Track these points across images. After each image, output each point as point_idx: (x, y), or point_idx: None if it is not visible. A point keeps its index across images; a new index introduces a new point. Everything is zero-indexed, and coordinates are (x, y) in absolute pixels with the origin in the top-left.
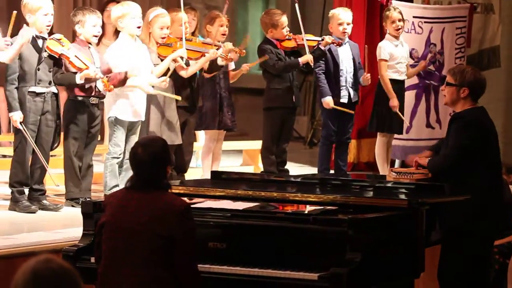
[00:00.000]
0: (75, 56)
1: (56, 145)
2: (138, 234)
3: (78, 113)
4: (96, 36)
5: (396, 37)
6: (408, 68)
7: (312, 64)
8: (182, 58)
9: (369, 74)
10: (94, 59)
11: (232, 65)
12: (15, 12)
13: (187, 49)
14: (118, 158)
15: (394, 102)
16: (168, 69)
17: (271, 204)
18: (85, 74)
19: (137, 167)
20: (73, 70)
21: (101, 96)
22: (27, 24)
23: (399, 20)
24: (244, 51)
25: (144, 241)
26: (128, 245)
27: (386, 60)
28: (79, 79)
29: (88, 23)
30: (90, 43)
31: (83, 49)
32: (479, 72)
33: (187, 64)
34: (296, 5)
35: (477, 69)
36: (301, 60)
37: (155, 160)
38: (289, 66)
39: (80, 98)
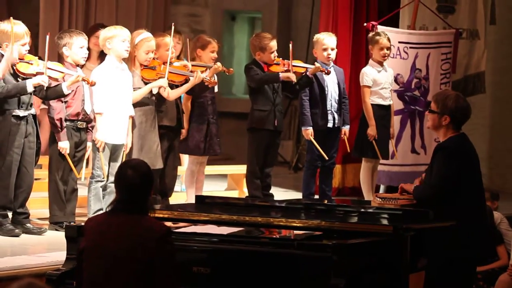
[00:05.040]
0: (48, 68)
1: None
2: (118, 260)
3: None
4: (83, 58)
5: (380, 63)
6: (392, 94)
7: (293, 81)
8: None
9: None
10: (83, 82)
11: (216, 89)
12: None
13: (171, 72)
14: (102, 181)
15: (371, 130)
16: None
17: (256, 229)
18: (71, 81)
19: (127, 190)
20: (54, 83)
21: (88, 120)
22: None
23: (387, 48)
24: (231, 69)
25: (124, 267)
26: (108, 271)
27: (369, 87)
28: (66, 90)
29: (75, 45)
30: (77, 65)
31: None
32: (463, 98)
33: (172, 88)
34: (290, 45)
35: (461, 95)
36: (282, 75)
37: (145, 183)
38: (268, 78)
39: (67, 123)
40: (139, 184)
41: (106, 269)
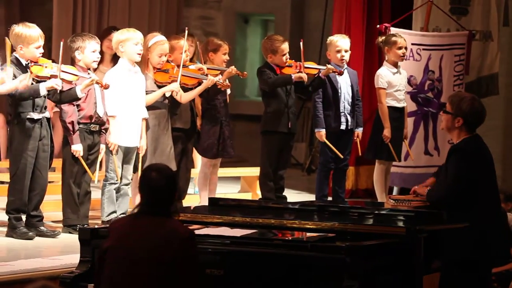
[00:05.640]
0: (62, 71)
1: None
2: (140, 261)
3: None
4: (95, 62)
5: (395, 65)
6: (405, 95)
7: (305, 81)
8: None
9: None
10: (95, 85)
11: (228, 91)
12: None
13: (184, 75)
14: (115, 184)
15: (387, 132)
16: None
17: (269, 231)
18: (85, 85)
19: (151, 192)
20: (67, 86)
21: (101, 123)
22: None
23: (405, 48)
24: (245, 73)
25: (146, 268)
26: (130, 272)
27: (384, 89)
28: (80, 93)
29: (88, 49)
30: (89, 69)
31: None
32: (478, 101)
33: (185, 91)
34: (301, 43)
35: (478, 98)
36: (294, 75)
37: (169, 185)
38: (281, 80)
39: (80, 125)
40: (163, 186)
41: (128, 270)
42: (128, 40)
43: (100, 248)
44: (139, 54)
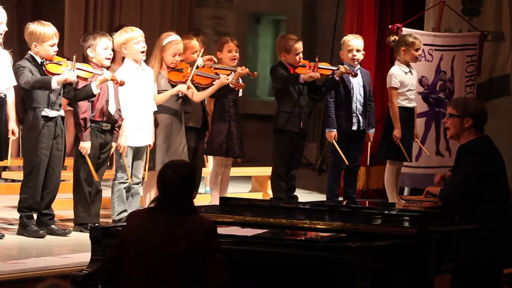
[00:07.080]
0: (77, 68)
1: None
2: (169, 257)
3: (90, 138)
4: (108, 59)
5: (407, 64)
6: (416, 96)
7: (318, 77)
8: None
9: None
10: (108, 83)
11: (240, 92)
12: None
13: (198, 75)
14: (125, 183)
15: (397, 132)
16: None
17: (280, 230)
18: (100, 81)
19: (165, 190)
20: (82, 83)
21: (113, 122)
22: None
23: (420, 49)
24: (256, 73)
25: (175, 263)
26: (154, 268)
27: (396, 88)
28: (95, 89)
29: (100, 46)
30: (103, 66)
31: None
32: (481, 101)
33: (198, 90)
34: (317, 59)
35: (478, 98)
36: (304, 76)
37: (184, 183)
38: (290, 79)
39: (92, 124)
40: (177, 184)
41: (152, 266)
42: (128, 41)
43: (117, 238)
44: (143, 52)
